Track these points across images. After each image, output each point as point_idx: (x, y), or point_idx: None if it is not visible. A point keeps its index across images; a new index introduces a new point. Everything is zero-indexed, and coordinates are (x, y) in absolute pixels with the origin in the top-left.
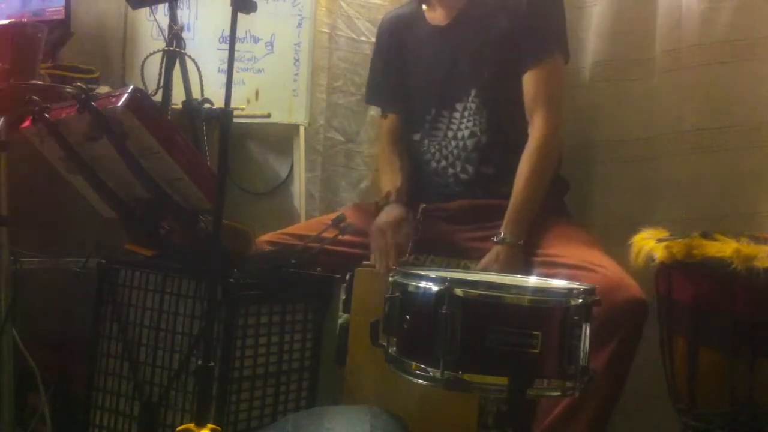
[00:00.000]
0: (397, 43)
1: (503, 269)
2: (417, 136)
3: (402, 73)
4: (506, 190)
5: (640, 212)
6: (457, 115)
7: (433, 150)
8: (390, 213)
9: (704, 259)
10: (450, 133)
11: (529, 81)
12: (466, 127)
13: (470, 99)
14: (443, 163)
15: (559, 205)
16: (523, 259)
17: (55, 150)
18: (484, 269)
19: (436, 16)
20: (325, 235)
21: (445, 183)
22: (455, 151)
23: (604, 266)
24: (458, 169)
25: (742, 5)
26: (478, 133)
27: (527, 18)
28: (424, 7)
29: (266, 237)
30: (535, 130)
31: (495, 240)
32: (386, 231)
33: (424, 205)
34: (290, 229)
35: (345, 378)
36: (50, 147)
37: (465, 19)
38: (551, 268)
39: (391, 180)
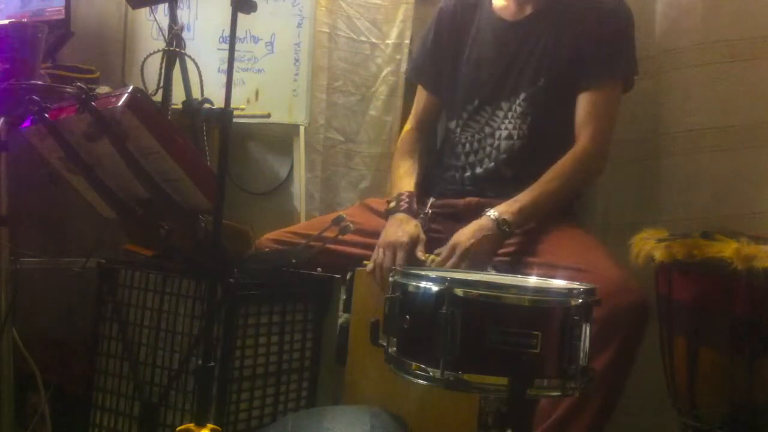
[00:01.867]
0: (458, 26)
1: (475, 245)
2: (453, 124)
3: (455, 57)
4: (519, 193)
5: (640, 212)
6: (500, 114)
7: (464, 141)
8: (401, 226)
9: (704, 259)
10: (488, 129)
11: (585, 99)
12: (506, 129)
13: (517, 102)
14: (471, 158)
15: (567, 210)
16: (500, 246)
17: (55, 150)
18: (456, 245)
19: (505, 7)
20: (326, 234)
21: (461, 179)
22: (487, 149)
23: (606, 268)
24: (479, 167)
25: (742, 5)
26: (515, 138)
27: (600, 38)
28: None
29: (270, 235)
30: (581, 141)
31: (486, 212)
32: (397, 249)
33: (433, 199)
34: (295, 228)
35: (345, 378)
36: (50, 147)
37: (536, 20)
38: (553, 270)
39: (406, 177)
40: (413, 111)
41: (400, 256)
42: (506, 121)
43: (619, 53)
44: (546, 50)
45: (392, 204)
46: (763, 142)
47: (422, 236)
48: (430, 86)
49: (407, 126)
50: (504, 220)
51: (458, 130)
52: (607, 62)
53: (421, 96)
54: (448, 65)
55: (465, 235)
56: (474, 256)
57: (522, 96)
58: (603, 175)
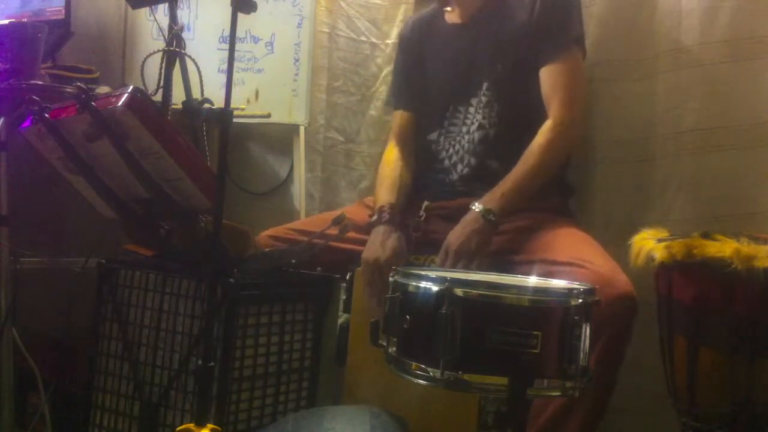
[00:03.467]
0: (418, 45)
1: (465, 242)
2: (434, 135)
3: (423, 74)
4: None
5: (640, 212)
6: (471, 110)
7: (447, 146)
8: (384, 242)
9: (704, 259)
10: (464, 128)
11: (547, 74)
12: (476, 121)
13: (482, 92)
14: (454, 159)
15: (562, 207)
16: (490, 238)
17: (55, 150)
18: (448, 246)
19: (454, 15)
20: (326, 233)
21: (450, 181)
22: (466, 146)
23: (593, 262)
24: (464, 164)
25: (742, 5)
26: (487, 126)
27: (544, 15)
28: (444, 8)
29: (269, 232)
30: (551, 115)
31: (471, 206)
32: (382, 268)
33: (427, 203)
34: (294, 225)
35: (345, 378)
36: (50, 147)
37: (482, 16)
38: (542, 265)
39: (387, 192)
40: (392, 130)
41: (386, 273)
42: (477, 114)
43: (568, 21)
44: (498, 37)
45: (374, 217)
46: (763, 142)
47: (405, 249)
48: (408, 107)
49: (389, 144)
50: (488, 209)
51: (441, 139)
52: (559, 33)
53: (396, 116)
54: (418, 82)
55: (454, 235)
56: (467, 254)
57: (485, 86)
58: (603, 175)
